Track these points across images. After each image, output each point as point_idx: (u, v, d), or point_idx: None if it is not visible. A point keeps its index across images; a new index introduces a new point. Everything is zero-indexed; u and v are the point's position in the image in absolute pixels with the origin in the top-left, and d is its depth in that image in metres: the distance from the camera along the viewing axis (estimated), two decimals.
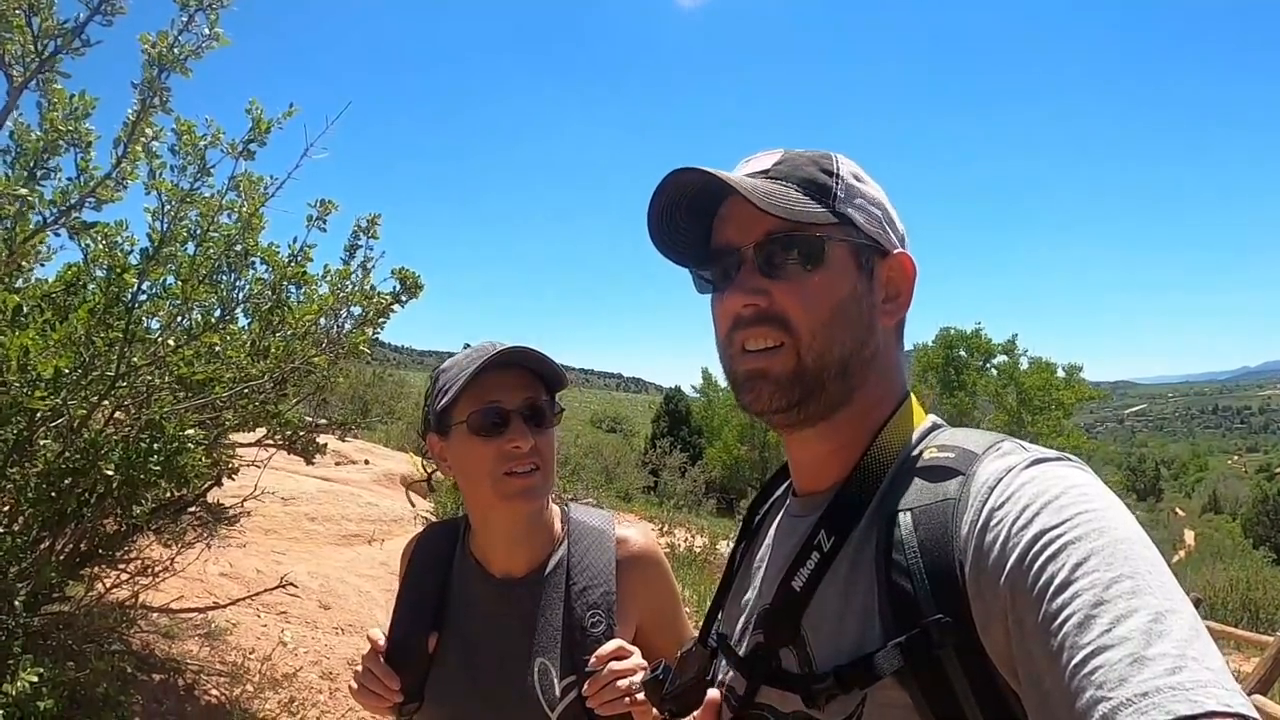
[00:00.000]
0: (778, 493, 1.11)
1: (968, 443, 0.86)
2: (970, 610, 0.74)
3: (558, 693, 1.39)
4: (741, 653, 0.97)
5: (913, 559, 0.79)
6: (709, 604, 1.12)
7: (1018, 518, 0.73)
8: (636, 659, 1.34)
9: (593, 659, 1.34)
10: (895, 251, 0.94)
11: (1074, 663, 0.62)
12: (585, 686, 1.32)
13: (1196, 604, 10.44)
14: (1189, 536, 51.33)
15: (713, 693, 0.93)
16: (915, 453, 0.89)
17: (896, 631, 0.78)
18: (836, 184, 0.91)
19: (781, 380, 0.90)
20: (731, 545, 1.16)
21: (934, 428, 0.94)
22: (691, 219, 0.96)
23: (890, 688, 0.78)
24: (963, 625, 0.74)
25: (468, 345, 1.50)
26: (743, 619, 1.01)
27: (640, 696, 1.25)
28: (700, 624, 1.14)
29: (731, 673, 0.99)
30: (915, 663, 0.76)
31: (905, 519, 0.82)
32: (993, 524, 0.75)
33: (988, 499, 0.77)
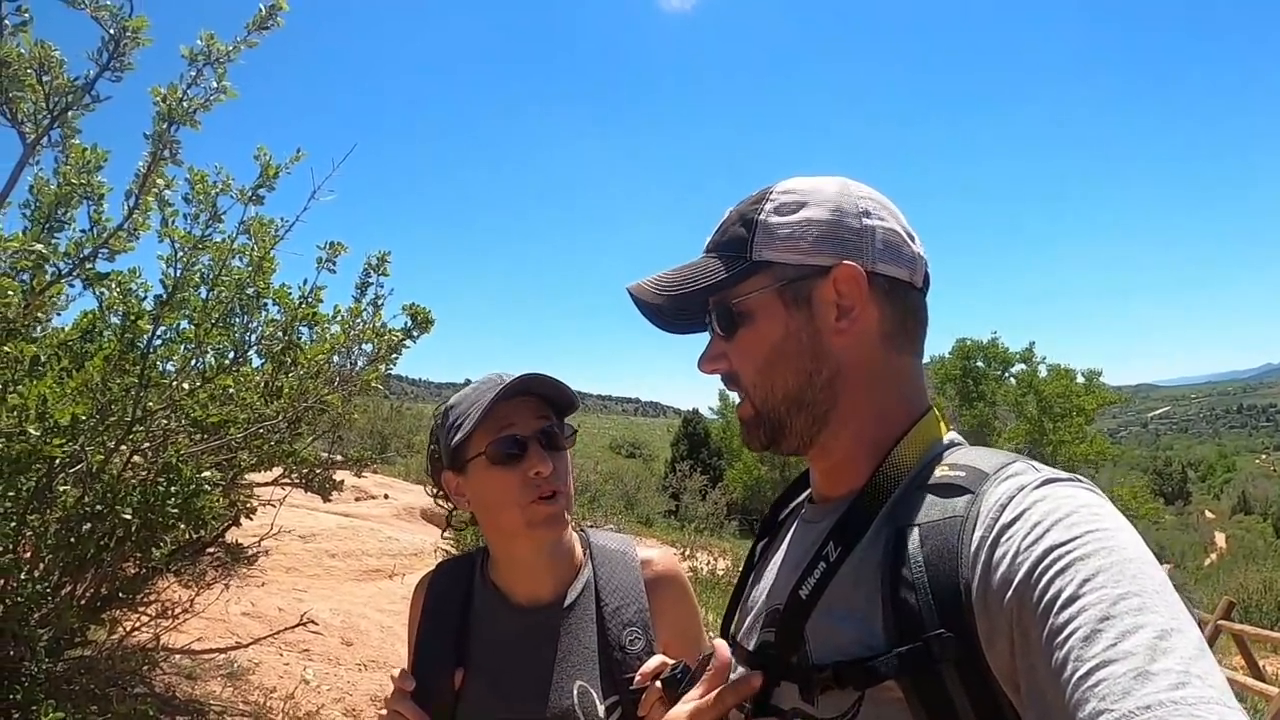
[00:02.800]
0: (802, 495, 1.13)
1: (979, 462, 0.87)
2: (974, 626, 0.75)
3: (601, 713, 1.38)
4: (750, 648, 0.99)
5: (918, 573, 0.80)
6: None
7: (1027, 534, 0.74)
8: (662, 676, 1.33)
9: (638, 676, 1.34)
10: (835, 266, 0.93)
11: (1078, 675, 0.63)
12: (641, 704, 1.32)
13: (1230, 608, 10.24)
14: (1220, 539, 50.45)
15: (722, 649, 0.94)
16: (927, 469, 0.90)
17: (899, 642, 0.79)
18: (753, 233, 0.96)
19: (749, 424, 1.01)
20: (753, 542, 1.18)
21: (950, 445, 0.95)
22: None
23: (888, 690, 0.79)
24: (965, 640, 0.75)
25: (469, 381, 1.52)
26: (752, 616, 1.04)
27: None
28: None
29: (739, 669, 1.00)
30: (915, 673, 0.77)
31: (913, 534, 0.83)
32: (1003, 540, 0.76)
33: (999, 517, 0.78)
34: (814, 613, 0.89)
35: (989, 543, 0.77)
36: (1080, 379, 33.93)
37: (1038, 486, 0.79)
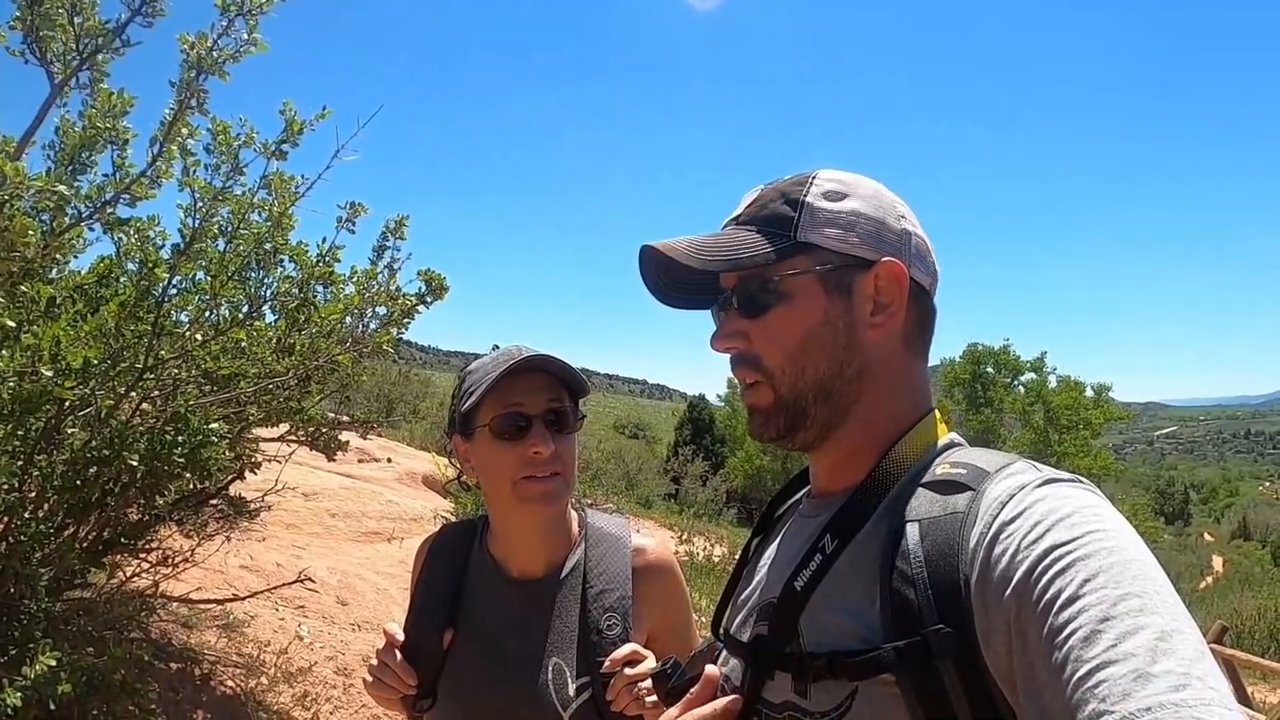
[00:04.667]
0: (799, 494, 1.13)
1: (980, 461, 0.87)
2: (972, 622, 0.75)
3: (571, 692, 1.41)
4: (744, 640, 0.99)
5: (917, 569, 0.80)
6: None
7: (1028, 533, 0.74)
8: (650, 663, 1.35)
9: (607, 661, 1.37)
10: (880, 261, 0.93)
11: (1077, 676, 0.63)
12: (609, 690, 1.34)
13: (1223, 632, 10.21)
14: (1217, 563, 50.36)
15: (711, 669, 0.95)
16: (928, 467, 0.90)
17: (895, 636, 0.79)
18: (800, 213, 0.94)
19: (767, 413, 0.98)
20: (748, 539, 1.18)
21: (951, 445, 0.95)
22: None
23: (884, 684, 0.79)
24: (963, 637, 0.76)
25: (496, 346, 1.53)
26: (745, 610, 1.04)
27: (650, 699, 1.26)
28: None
29: (732, 662, 1.01)
30: (912, 668, 0.77)
31: (912, 529, 0.83)
32: (1003, 537, 0.76)
33: (999, 514, 0.78)
34: (809, 605, 0.88)
35: (988, 539, 0.76)
36: (1089, 392, 33.83)
37: (1039, 485, 0.79)
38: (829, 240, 0.93)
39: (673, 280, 1.02)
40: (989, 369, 35.51)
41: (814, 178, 0.97)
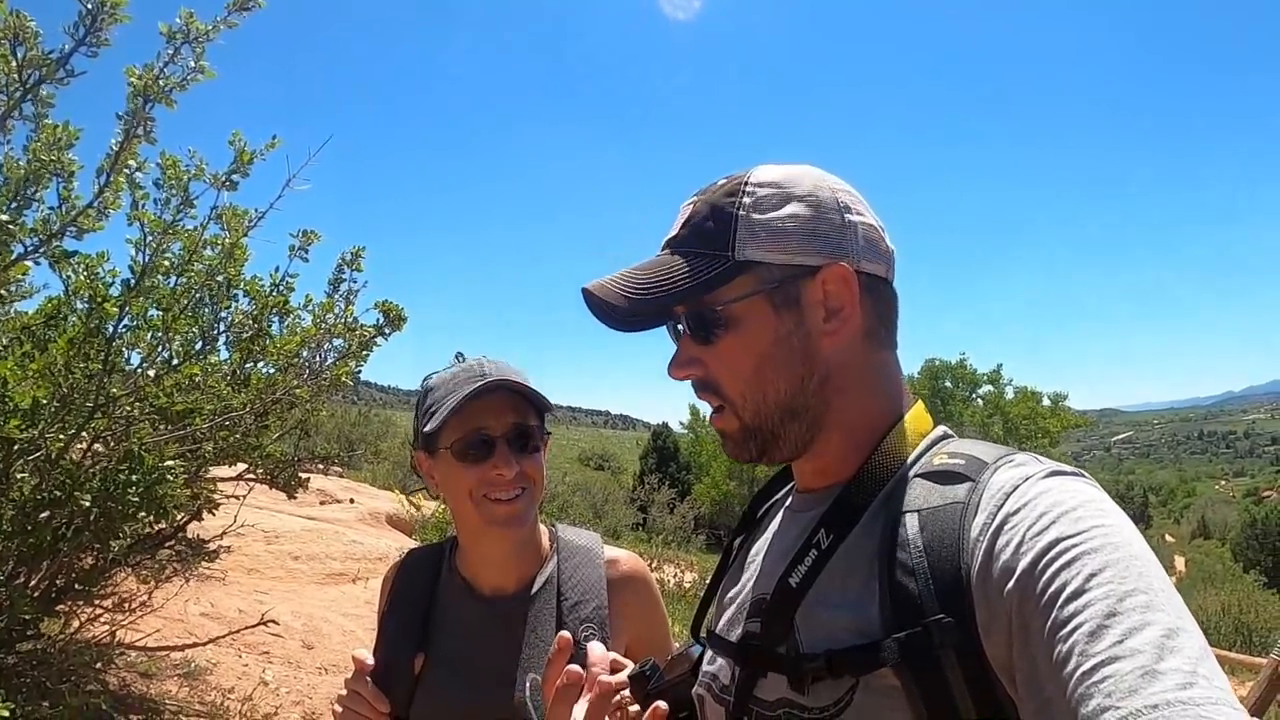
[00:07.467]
0: (780, 492, 1.11)
1: (978, 451, 0.86)
2: (974, 612, 0.74)
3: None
4: (733, 639, 0.96)
5: (918, 559, 0.79)
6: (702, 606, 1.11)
7: (1033, 524, 0.73)
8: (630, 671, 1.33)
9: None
10: (824, 266, 0.89)
11: (1081, 670, 0.62)
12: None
13: None
14: (1179, 562, 51.35)
15: (661, 705, 0.90)
16: (922, 458, 0.89)
17: (895, 628, 0.77)
18: (734, 230, 0.89)
19: (736, 439, 0.95)
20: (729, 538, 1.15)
21: (943, 436, 0.94)
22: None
23: (885, 678, 0.77)
24: (964, 627, 0.74)
25: (459, 354, 1.51)
26: (734, 608, 1.01)
27: (634, 709, 1.24)
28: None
29: (719, 662, 0.98)
30: (913, 659, 0.76)
31: (911, 520, 0.81)
32: (1006, 528, 0.75)
33: (1003, 504, 0.77)
34: (804, 601, 0.86)
35: (991, 530, 0.76)
36: (1046, 401, 34.50)
37: (1044, 477, 0.78)
38: (769, 254, 0.88)
39: (618, 312, 0.95)
40: (947, 383, 36.08)
41: (746, 184, 0.91)
